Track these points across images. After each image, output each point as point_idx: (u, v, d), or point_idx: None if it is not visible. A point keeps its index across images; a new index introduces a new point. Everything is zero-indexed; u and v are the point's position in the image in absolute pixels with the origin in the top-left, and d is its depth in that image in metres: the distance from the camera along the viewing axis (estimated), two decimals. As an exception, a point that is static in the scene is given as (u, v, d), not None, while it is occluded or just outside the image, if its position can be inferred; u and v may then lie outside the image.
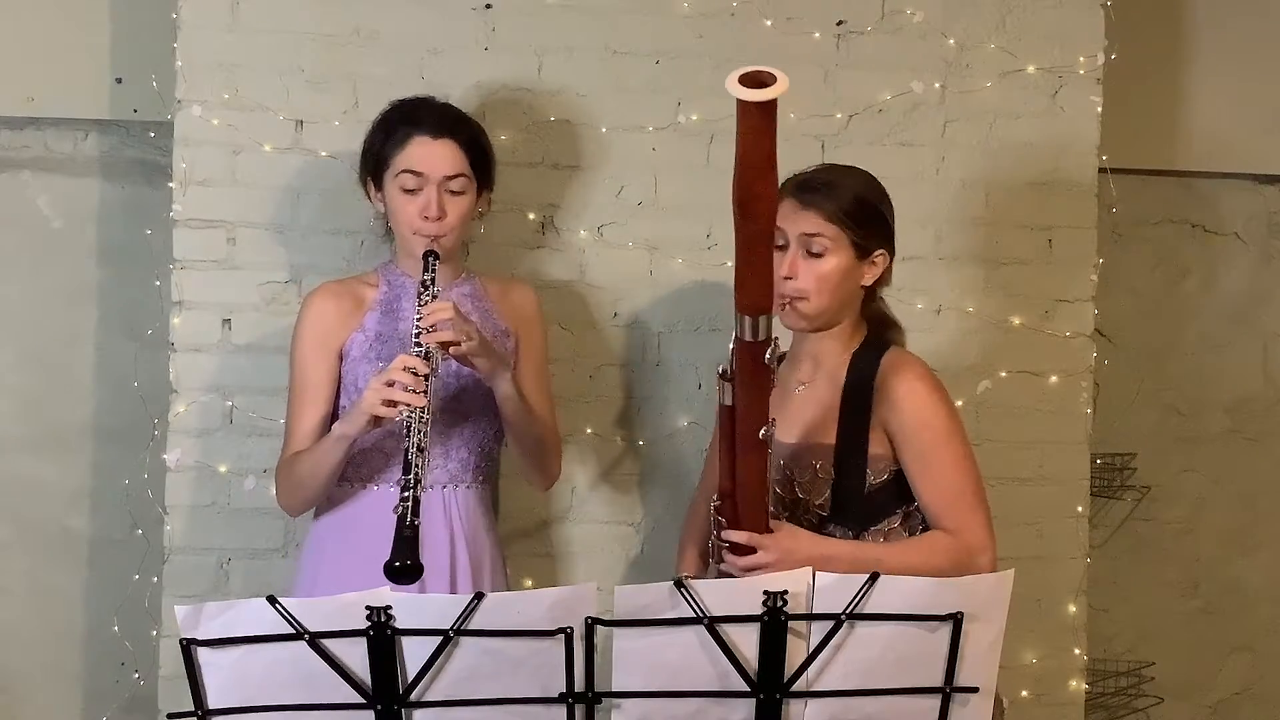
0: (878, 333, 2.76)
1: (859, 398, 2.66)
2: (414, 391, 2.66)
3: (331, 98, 3.37)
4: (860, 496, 2.64)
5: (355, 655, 2.11)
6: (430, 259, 2.83)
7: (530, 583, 3.41)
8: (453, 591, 2.87)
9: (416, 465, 2.61)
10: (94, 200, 3.77)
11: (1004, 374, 3.61)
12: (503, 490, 3.36)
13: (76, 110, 3.72)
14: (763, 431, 2.44)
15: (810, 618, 2.16)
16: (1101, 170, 3.64)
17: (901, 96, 3.56)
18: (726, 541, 2.56)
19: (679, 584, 2.13)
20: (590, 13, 3.44)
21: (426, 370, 2.68)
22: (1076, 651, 3.64)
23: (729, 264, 2.39)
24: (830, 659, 2.17)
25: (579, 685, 2.12)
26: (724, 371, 2.44)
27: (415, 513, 2.56)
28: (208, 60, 3.33)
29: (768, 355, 2.38)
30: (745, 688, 2.16)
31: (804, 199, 2.67)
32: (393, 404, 2.68)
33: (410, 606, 2.10)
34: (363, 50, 3.38)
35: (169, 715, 2.15)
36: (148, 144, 3.68)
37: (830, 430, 2.67)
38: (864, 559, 2.52)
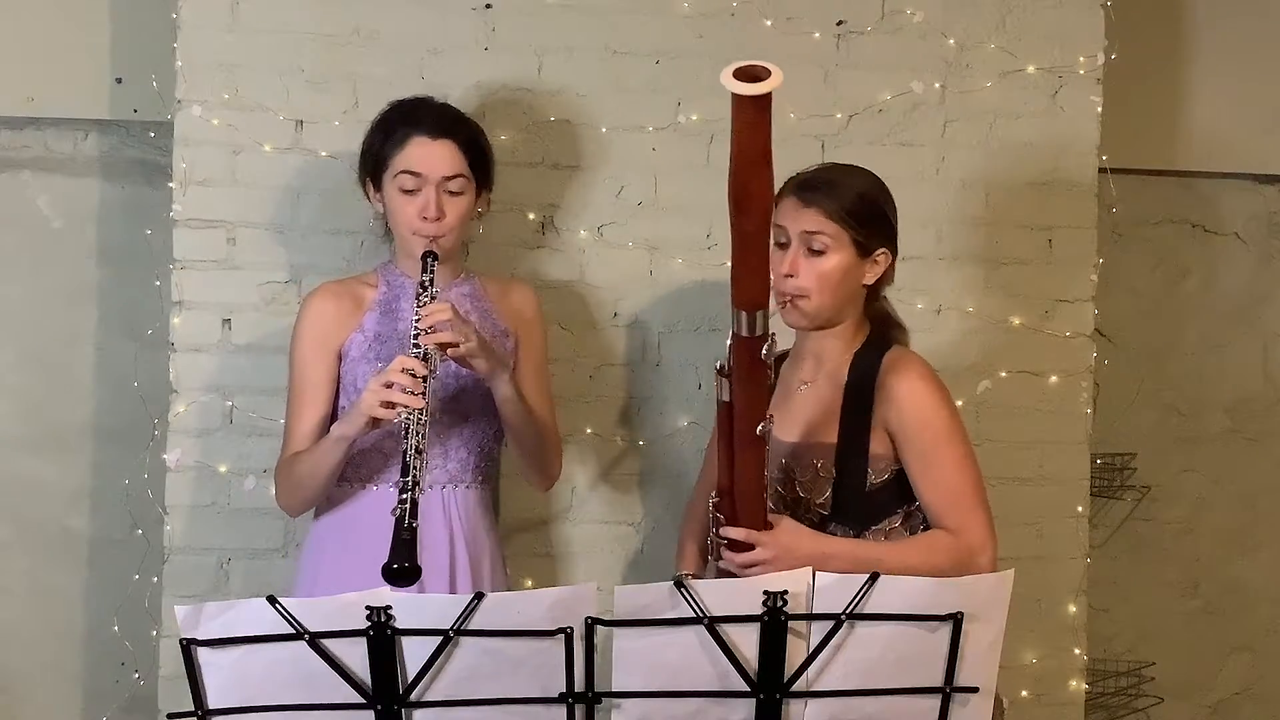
0: (880, 332, 2.76)
1: (860, 397, 2.66)
2: (412, 393, 2.66)
3: (331, 98, 3.37)
4: (861, 496, 2.64)
5: (355, 655, 2.11)
6: (429, 260, 2.83)
7: (530, 583, 3.41)
8: (452, 591, 2.87)
9: (415, 467, 2.61)
10: (94, 200, 3.77)
11: (1004, 374, 3.61)
12: (503, 490, 3.37)
13: (76, 110, 3.72)
14: (760, 428, 2.45)
15: (810, 618, 2.16)
16: (1101, 170, 3.64)
17: (901, 96, 3.56)
18: (725, 538, 2.56)
19: (679, 584, 2.13)
20: (590, 13, 3.44)
21: (425, 372, 2.68)
22: (1076, 651, 3.64)
23: (729, 264, 2.39)
24: (830, 659, 2.18)
25: (579, 685, 2.12)
26: (721, 368, 2.45)
27: (413, 515, 2.56)
28: (208, 60, 3.33)
29: (764, 351, 2.38)
30: (745, 688, 2.16)
31: (805, 197, 2.67)
32: (391, 405, 2.68)
33: (410, 606, 2.10)
34: (363, 50, 3.38)
35: (169, 715, 2.15)
36: (148, 144, 3.68)
37: (832, 429, 2.67)
38: (864, 557, 2.52)
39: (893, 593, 2.16)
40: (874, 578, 2.16)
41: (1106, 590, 4.05)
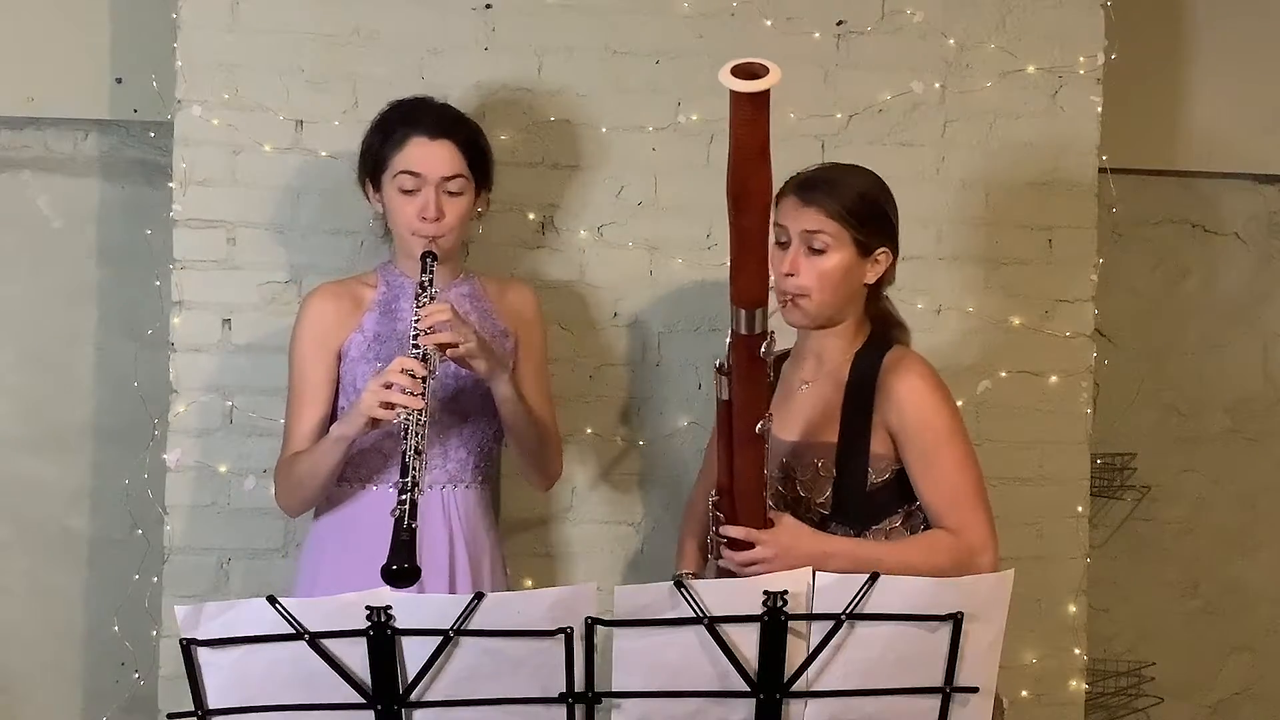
0: (882, 331, 2.76)
1: (861, 396, 2.66)
2: (411, 394, 2.66)
3: (331, 98, 3.37)
4: (861, 495, 2.64)
5: (355, 655, 2.11)
6: (428, 260, 2.83)
7: (530, 583, 3.41)
8: (452, 591, 2.87)
9: (414, 468, 2.61)
10: (94, 200, 3.77)
11: (1004, 374, 3.61)
12: (503, 490, 3.37)
13: (76, 110, 3.72)
14: (759, 426, 2.45)
15: (810, 618, 2.16)
16: (1101, 170, 3.64)
17: (901, 96, 3.56)
18: (725, 537, 2.56)
19: (679, 584, 2.13)
20: (590, 13, 3.44)
21: (424, 372, 2.68)
22: (1076, 651, 3.64)
23: (729, 263, 2.39)
24: (830, 659, 2.18)
25: (579, 685, 2.12)
26: (721, 366, 2.45)
27: (412, 516, 2.56)
28: (208, 60, 3.33)
29: (763, 348, 2.38)
30: (745, 688, 2.16)
31: (806, 196, 2.67)
32: (390, 406, 2.67)
33: (410, 606, 2.11)
34: (363, 50, 3.38)
35: (169, 715, 2.16)
36: (148, 144, 3.69)
37: (832, 428, 2.67)
38: (863, 557, 2.52)
39: (893, 593, 2.16)
40: (874, 578, 2.16)
41: (1106, 590, 4.05)
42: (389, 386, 2.67)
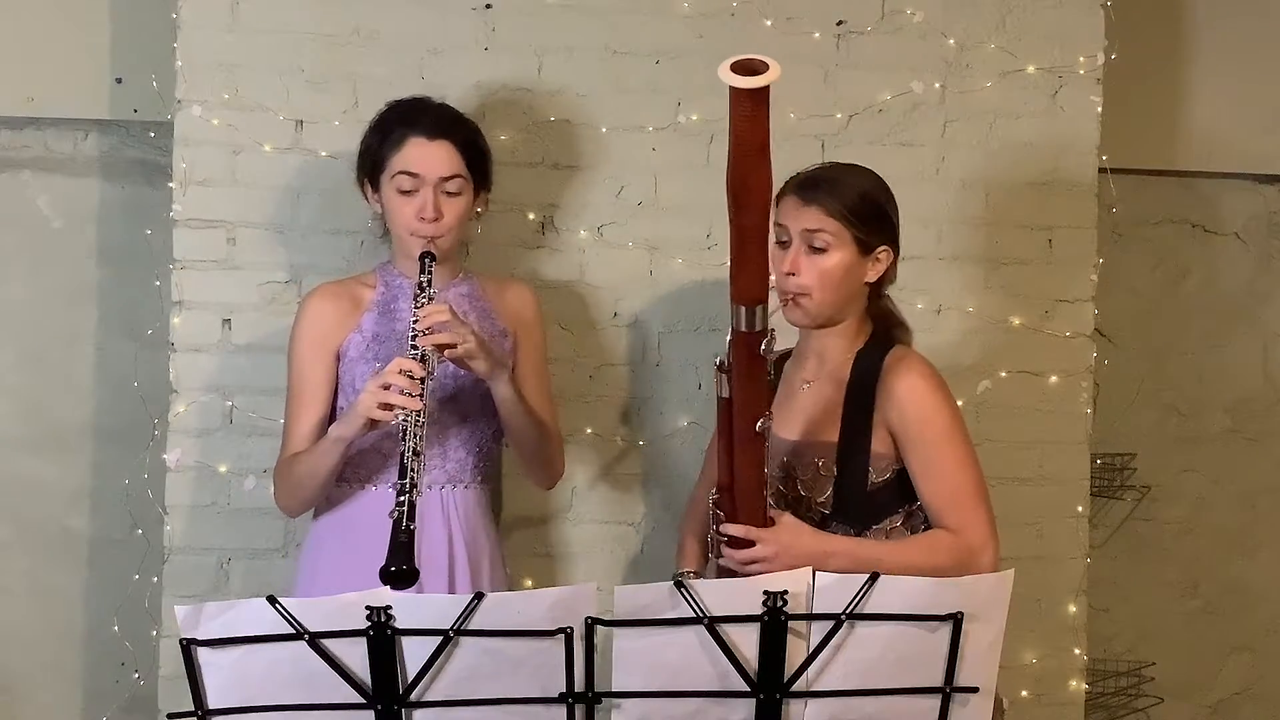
0: (883, 331, 2.76)
1: (862, 396, 2.66)
2: (410, 395, 2.66)
3: (331, 98, 3.37)
4: (862, 494, 2.64)
5: (355, 655, 2.11)
6: (427, 260, 2.83)
7: (530, 583, 3.41)
8: (451, 591, 2.87)
9: (412, 469, 2.61)
10: (94, 200, 3.77)
11: (1004, 374, 3.61)
12: (503, 490, 3.37)
13: (76, 110, 3.72)
14: (759, 424, 2.45)
15: (810, 618, 2.16)
16: (1101, 170, 3.64)
17: (901, 96, 3.56)
18: (725, 535, 2.56)
19: (679, 584, 2.13)
20: (590, 13, 3.44)
21: (422, 373, 2.68)
22: (1076, 651, 3.64)
23: (729, 263, 2.39)
24: (830, 659, 2.17)
25: (579, 685, 2.12)
26: (721, 364, 2.45)
27: (411, 517, 2.56)
28: (208, 60, 3.33)
29: (763, 346, 2.38)
30: (745, 688, 2.16)
31: (806, 195, 2.68)
32: (388, 407, 2.67)
33: (410, 606, 2.10)
34: (363, 50, 3.38)
35: (169, 715, 2.15)
36: (148, 144, 3.69)
37: (833, 428, 2.67)
38: (864, 556, 2.52)
39: (893, 593, 2.16)
40: (874, 577, 2.16)
41: (1106, 590, 4.05)
42: (387, 387, 2.67)
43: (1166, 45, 4.15)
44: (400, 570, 2.50)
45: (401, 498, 2.58)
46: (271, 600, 2.09)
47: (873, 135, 3.54)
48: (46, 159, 3.77)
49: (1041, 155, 3.61)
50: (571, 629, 2.09)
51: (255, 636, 2.10)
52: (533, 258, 3.46)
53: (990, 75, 3.59)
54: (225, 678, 2.12)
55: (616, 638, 2.15)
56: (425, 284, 2.80)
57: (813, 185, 2.69)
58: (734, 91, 2.20)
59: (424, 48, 3.40)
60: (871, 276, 2.72)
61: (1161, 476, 4.23)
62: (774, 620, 2.14)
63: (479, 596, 2.09)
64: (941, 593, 2.18)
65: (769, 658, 2.15)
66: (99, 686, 3.75)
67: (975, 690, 2.21)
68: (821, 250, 2.66)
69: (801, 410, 2.73)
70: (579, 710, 2.14)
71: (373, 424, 2.73)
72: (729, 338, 2.40)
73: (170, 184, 3.36)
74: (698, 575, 2.82)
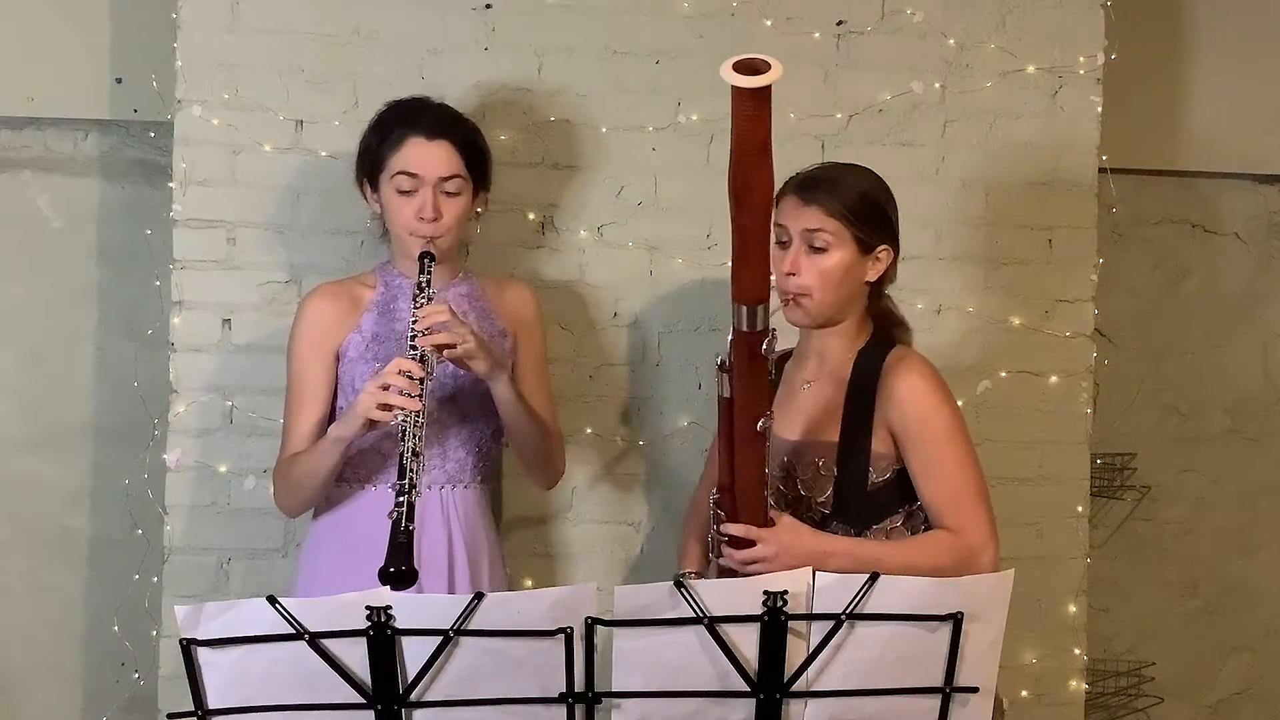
0: (884, 330, 2.76)
1: (863, 395, 2.66)
2: (409, 395, 2.66)
3: (331, 98, 3.37)
4: (862, 494, 2.64)
5: (355, 655, 2.11)
6: (426, 260, 2.83)
7: (530, 583, 3.41)
8: (451, 591, 2.87)
9: (411, 470, 2.61)
10: (94, 200, 3.77)
11: (1004, 374, 3.61)
12: (503, 490, 3.37)
13: (76, 110, 3.72)
14: (760, 424, 2.44)
15: (810, 618, 2.16)
16: (1101, 170, 3.64)
17: (901, 96, 3.56)
18: (726, 535, 2.56)
19: (679, 584, 2.13)
20: (590, 13, 3.44)
21: (421, 374, 2.68)
22: (1076, 651, 3.64)
23: (729, 264, 2.39)
24: (830, 659, 2.17)
25: (579, 685, 2.12)
26: (722, 363, 2.45)
27: (410, 518, 2.56)
28: (208, 60, 3.33)
29: (764, 346, 2.38)
30: (745, 688, 2.16)
31: (806, 195, 2.68)
32: (388, 407, 2.67)
33: (410, 606, 2.10)
34: (363, 50, 3.38)
35: (169, 715, 2.15)
36: (148, 144, 3.69)
37: (834, 427, 2.67)
38: (864, 556, 2.52)
39: (893, 593, 2.16)
40: (874, 577, 2.16)
41: (1106, 590, 4.05)
42: (386, 388, 2.67)
43: (1166, 45, 4.15)
44: (399, 571, 2.50)
45: (400, 498, 2.58)
46: (271, 600, 2.09)
47: (873, 135, 3.54)
48: (46, 159, 3.77)
49: (1041, 155, 3.61)
50: (571, 629, 2.09)
51: (255, 636, 2.10)
52: (533, 258, 3.46)
53: (990, 75, 3.59)
54: (225, 678, 2.12)
55: (616, 638, 2.14)
56: (424, 284, 2.80)
57: (812, 185, 2.69)
58: (736, 91, 2.20)
59: (424, 48, 3.40)
60: (872, 276, 2.72)
61: (1161, 476, 4.23)
62: (774, 620, 2.14)
63: (479, 596, 2.09)
64: (941, 593, 2.18)
65: (769, 658, 2.15)
66: (99, 686, 3.75)
67: (975, 690, 2.21)
68: (822, 250, 2.67)
69: (802, 410, 2.73)
70: (579, 710, 2.14)
71: (372, 424, 2.73)
72: (730, 337, 2.40)
73: (170, 184, 3.36)
74: (699, 576, 2.82)
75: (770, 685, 2.16)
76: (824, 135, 3.52)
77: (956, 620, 2.16)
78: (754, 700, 2.17)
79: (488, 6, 3.42)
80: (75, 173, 3.77)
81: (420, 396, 2.67)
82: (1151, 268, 4.28)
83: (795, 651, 2.17)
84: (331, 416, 2.92)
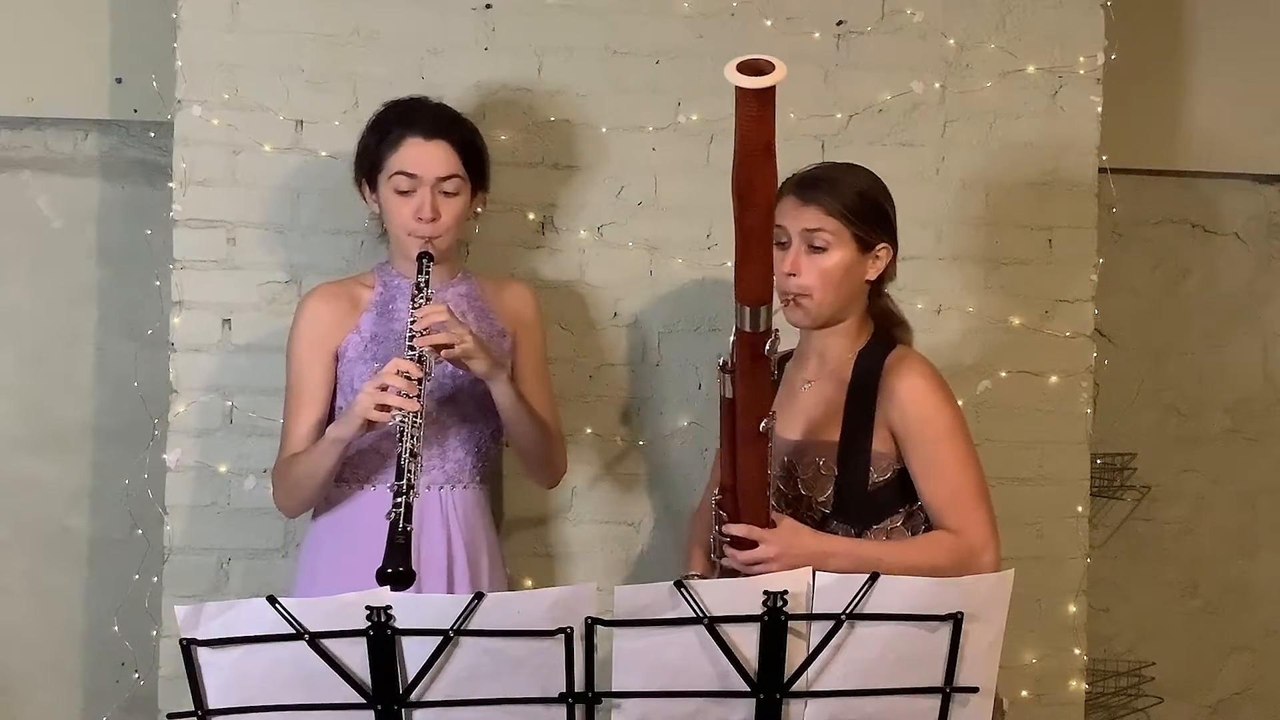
0: (884, 330, 2.76)
1: (863, 395, 2.66)
2: (407, 395, 2.65)
3: (331, 98, 3.37)
4: (863, 494, 2.64)
5: (355, 655, 2.11)
6: (424, 260, 2.83)
7: (530, 583, 3.41)
8: (450, 591, 2.87)
9: (409, 471, 2.61)
10: (94, 200, 3.77)
11: (1004, 374, 3.61)
12: (503, 490, 3.37)
13: (76, 110, 3.72)
14: (763, 424, 2.44)
15: (810, 618, 2.16)
16: (1101, 170, 3.64)
17: (901, 96, 3.56)
18: (728, 536, 2.56)
19: (679, 584, 2.13)
20: (590, 13, 3.44)
21: (420, 374, 2.68)
22: (1076, 651, 3.64)
23: (729, 264, 2.40)
24: (830, 659, 2.17)
25: (579, 685, 2.12)
26: (724, 364, 2.45)
27: (407, 519, 2.56)
28: (208, 60, 3.33)
29: (767, 346, 2.38)
30: (745, 688, 2.16)
31: (805, 195, 2.68)
32: (386, 408, 2.67)
33: (410, 606, 2.10)
34: (363, 50, 3.38)
35: (169, 715, 2.15)
36: (148, 144, 3.69)
37: (834, 427, 2.67)
38: (865, 556, 2.52)
39: (893, 593, 2.16)
40: (874, 578, 2.16)
41: (1106, 590, 4.05)
42: (384, 389, 2.67)
43: (1166, 45, 4.15)
44: (397, 572, 2.50)
45: (398, 499, 2.58)
46: (271, 600, 2.09)
47: (873, 135, 3.54)
48: (46, 159, 3.77)
49: (1041, 155, 3.61)
50: (571, 629, 2.09)
51: (255, 636, 2.10)
52: (532, 258, 3.46)
53: (990, 75, 3.59)
54: (225, 678, 2.12)
55: (616, 638, 2.14)
56: (423, 284, 2.79)
57: (811, 185, 2.69)
58: (740, 92, 2.20)
59: (424, 48, 3.40)
60: (871, 274, 2.72)
61: (1161, 476, 4.23)
62: (774, 620, 2.14)
63: (479, 596, 2.09)
64: (941, 593, 2.18)
65: (769, 658, 2.15)
66: (99, 686, 3.75)
67: (975, 690, 2.21)
68: (821, 250, 2.67)
69: (803, 410, 2.73)
70: (579, 710, 2.14)
71: (370, 425, 2.73)
72: (732, 338, 2.40)
73: (170, 184, 3.36)
74: (703, 579, 2.81)
75: (770, 685, 2.16)
76: (824, 135, 3.52)
77: (956, 620, 2.16)
78: (754, 700, 2.17)
79: (488, 6, 3.42)
80: (75, 173, 3.77)
81: (418, 397, 2.66)
82: (1151, 268, 4.28)
83: (795, 651, 2.17)
84: (331, 417, 2.92)
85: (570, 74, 3.45)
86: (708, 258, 3.47)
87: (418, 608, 2.11)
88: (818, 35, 3.53)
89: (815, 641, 2.17)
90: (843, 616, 2.15)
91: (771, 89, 2.19)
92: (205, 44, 3.33)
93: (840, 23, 3.54)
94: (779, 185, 2.62)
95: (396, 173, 2.88)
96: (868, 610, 2.16)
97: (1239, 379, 4.34)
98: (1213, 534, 4.32)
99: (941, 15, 3.56)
